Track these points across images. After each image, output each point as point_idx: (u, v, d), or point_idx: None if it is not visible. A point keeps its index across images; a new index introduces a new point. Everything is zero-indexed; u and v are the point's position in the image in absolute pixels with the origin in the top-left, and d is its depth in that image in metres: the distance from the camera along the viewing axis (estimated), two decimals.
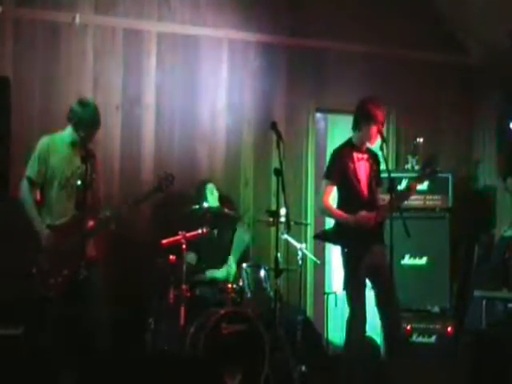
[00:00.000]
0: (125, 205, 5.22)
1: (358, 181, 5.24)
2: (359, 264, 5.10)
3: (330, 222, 7.66)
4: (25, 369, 4.80)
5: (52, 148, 5.11)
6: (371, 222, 5.11)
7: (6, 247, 5.70)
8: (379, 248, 5.20)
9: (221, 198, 6.38)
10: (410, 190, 5.37)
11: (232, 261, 6.22)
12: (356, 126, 5.34)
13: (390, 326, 5.26)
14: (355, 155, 5.27)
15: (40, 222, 5.01)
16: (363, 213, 5.13)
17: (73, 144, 5.12)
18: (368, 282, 5.27)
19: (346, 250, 5.19)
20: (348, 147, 5.32)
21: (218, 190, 6.37)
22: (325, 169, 5.38)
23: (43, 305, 4.94)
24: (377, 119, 5.21)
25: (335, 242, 5.36)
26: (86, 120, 5.04)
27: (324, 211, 5.36)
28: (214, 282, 6.01)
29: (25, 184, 5.07)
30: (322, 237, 5.78)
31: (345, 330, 5.23)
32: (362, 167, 5.28)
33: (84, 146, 5.07)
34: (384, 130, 5.46)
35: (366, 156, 5.32)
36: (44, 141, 5.16)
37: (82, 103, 5.12)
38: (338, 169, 5.24)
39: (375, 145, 5.36)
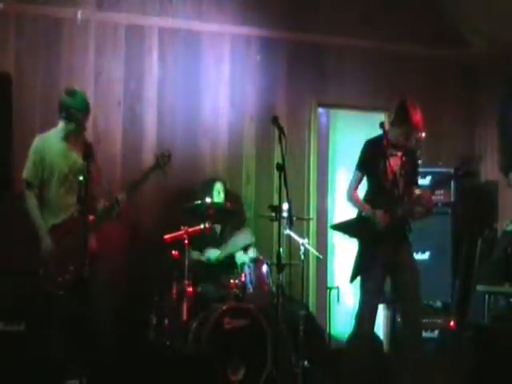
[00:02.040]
0: (124, 191, 5.19)
1: (387, 177, 5.22)
2: (374, 260, 5.10)
3: (332, 218, 7.73)
4: (30, 365, 4.82)
5: (46, 146, 5.09)
6: (385, 220, 5.12)
7: (11, 247, 5.69)
8: (399, 246, 5.20)
9: (228, 196, 6.36)
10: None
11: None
12: (393, 123, 5.35)
13: (408, 325, 5.26)
14: (388, 151, 5.26)
15: (44, 232, 5.01)
16: (379, 211, 5.15)
17: (66, 138, 5.11)
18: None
19: (361, 245, 5.21)
20: (381, 141, 5.28)
21: (225, 188, 6.35)
22: (357, 159, 5.38)
23: (50, 302, 4.95)
24: (411, 122, 5.20)
25: (351, 235, 5.36)
26: (77, 108, 5.03)
27: (350, 200, 5.37)
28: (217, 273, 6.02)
29: (27, 192, 5.06)
30: (339, 228, 5.75)
31: (354, 321, 5.23)
32: (392, 163, 5.23)
33: (81, 139, 5.07)
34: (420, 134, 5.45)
35: (399, 153, 5.29)
36: (37, 141, 5.14)
37: (69, 93, 5.11)
38: (369, 160, 5.26)
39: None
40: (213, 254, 6.04)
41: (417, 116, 5.23)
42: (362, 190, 5.42)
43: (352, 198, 5.33)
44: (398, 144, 5.29)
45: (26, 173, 5.08)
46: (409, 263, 5.25)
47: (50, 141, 5.12)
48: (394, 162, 5.26)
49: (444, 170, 6.32)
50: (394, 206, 5.17)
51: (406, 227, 5.26)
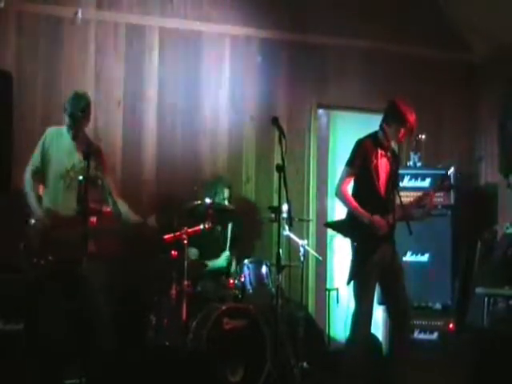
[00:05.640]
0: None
1: (378, 177, 5.17)
2: (368, 259, 5.07)
3: (332, 220, 7.72)
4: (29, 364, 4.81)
5: (55, 139, 5.13)
6: (384, 228, 5.10)
7: (8, 246, 5.70)
8: (389, 246, 5.17)
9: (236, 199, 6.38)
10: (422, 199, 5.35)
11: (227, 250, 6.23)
12: (384, 124, 5.26)
13: (398, 327, 5.23)
14: (379, 151, 5.22)
15: (36, 205, 5.03)
16: (378, 217, 5.09)
17: (74, 138, 5.13)
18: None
19: (355, 244, 5.18)
20: (373, 141, 5.25)
21: (230, 190, 6.36)
22: (348, 156, 5.28)
23: (41, 299, 4.96)
24: (408, 123, 5.16)
25: (345, 235, 5.32)
26: (68, 110, 5.05)
27: (340, 197, 5.28)
28: (216, 274, 6.00)
29: (27, 171, 5.12)
30: (333, 226, 5.73)
31: (350, 325, 5.21)
32: (383, 164, 5.21)
33: (84, 140, 5.10)
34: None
35: (388, 154, 5.25)
36: (49, 131, 5.19)
37: (74, 94, 5.13)
38: (361, 160, 5.18)
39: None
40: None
41: (412, 115, 5.19)
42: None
43: (342, 194, 5.20)
44: (388, 144, 5.23)
45: (32, 158, 5.13)
46: (399, 266, 5.24)
47: (61, 135, 5.15)
48: (384, 163, 5.23)
49: (443, 171, 6.30)
50: (391, 210, 5.14)
51: (393, 228, 5.22)
